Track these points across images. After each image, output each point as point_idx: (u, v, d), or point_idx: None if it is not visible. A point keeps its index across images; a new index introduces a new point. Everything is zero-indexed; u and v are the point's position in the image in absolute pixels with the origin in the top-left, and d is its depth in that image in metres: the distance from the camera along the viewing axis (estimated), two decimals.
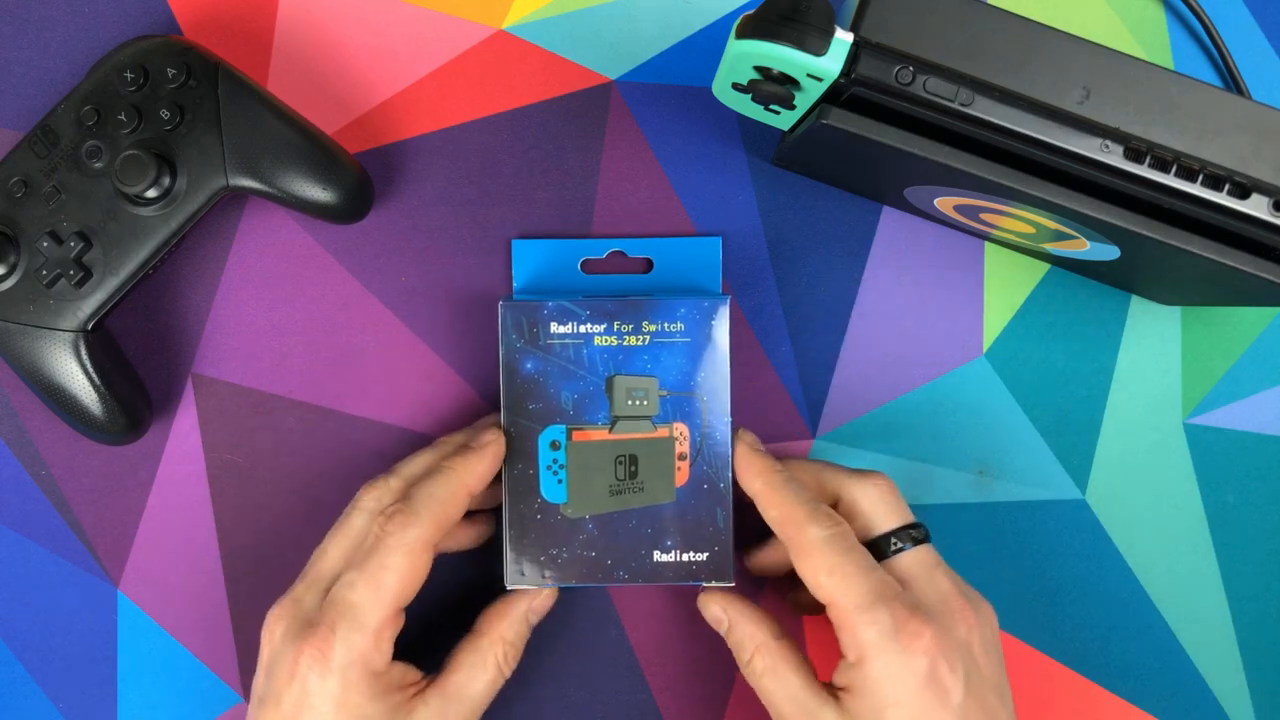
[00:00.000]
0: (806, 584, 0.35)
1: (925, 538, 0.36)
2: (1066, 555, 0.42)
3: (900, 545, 0.35)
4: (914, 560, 0.35)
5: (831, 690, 0.34)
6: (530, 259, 0.42)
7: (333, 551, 0.35)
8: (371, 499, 0.36)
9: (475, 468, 0.36)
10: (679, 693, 0.42)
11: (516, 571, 0.39)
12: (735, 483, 0.38)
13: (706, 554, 0.39)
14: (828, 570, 0.34)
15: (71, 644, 0.42)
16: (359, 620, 0.33)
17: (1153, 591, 0.42)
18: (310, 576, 0.35)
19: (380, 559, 0.34)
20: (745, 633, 0.36)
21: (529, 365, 0.39)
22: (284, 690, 0.33)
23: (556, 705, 0.42)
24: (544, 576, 0.39)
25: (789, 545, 0.35)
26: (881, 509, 0.36)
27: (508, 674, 0.37)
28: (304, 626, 0.33)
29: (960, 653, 0.33)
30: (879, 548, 0.35)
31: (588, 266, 0.42)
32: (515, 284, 0.42)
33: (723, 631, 0.38)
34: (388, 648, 0.34)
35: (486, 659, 0.36)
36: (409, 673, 0.35)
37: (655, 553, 0.39)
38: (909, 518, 0.36)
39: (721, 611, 0.37)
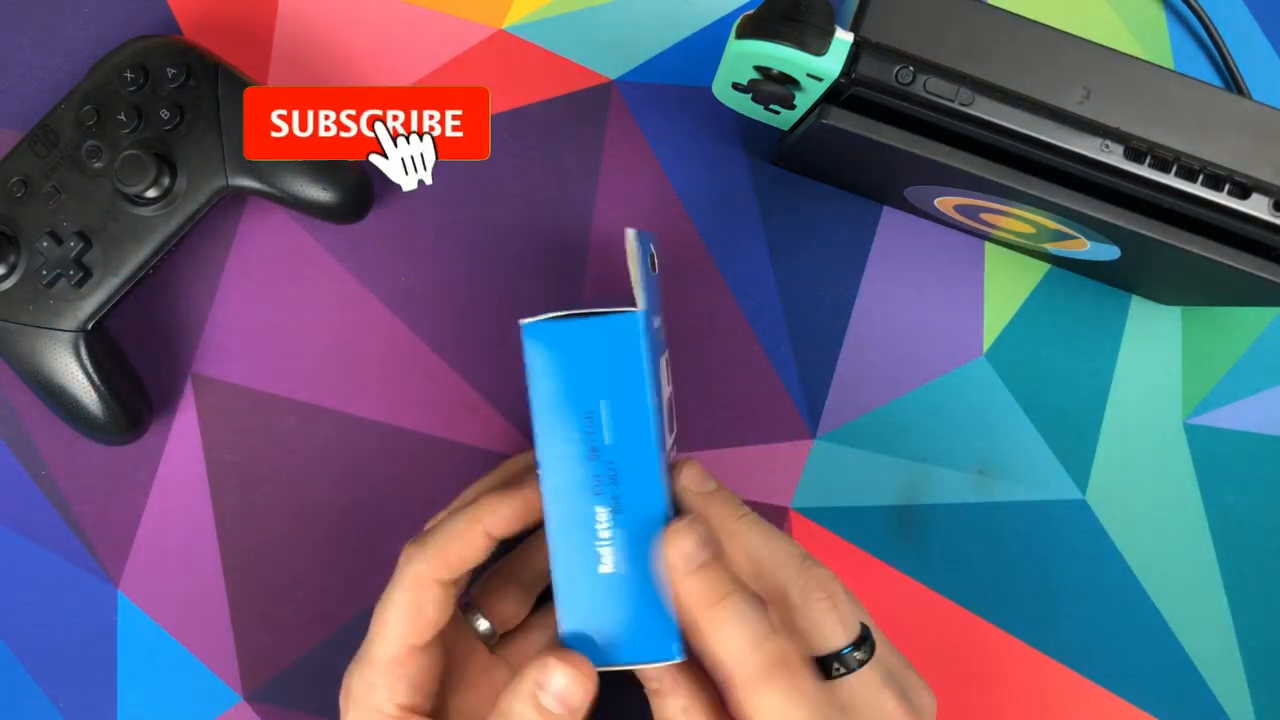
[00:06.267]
0: None
1: (872, 652, 0.32)
2: (1066, 555, 0.42)
3: (846, 669, 0.31)
4: (860, 684, 0.31)
5: None
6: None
7: None
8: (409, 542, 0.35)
9: (498, 508, 0.34)
10: None
11: None
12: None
13: None
14: None
15: (71, 644, 0.42)
16: (368, 655, 0.33)
17: (1153, 591, 0.42)
18: None
19: (388, 594, 0.33)
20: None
21: None
22: None
23: None
24: None
25: (730, 692, 0.30)
26: (829, 624, 0.31)
27: None
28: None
29: None
30: (824, 666, 0.31)
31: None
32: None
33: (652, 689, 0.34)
34: (399, 688, 0.33)
35: None
36: None
37: None
38: (856, 631, 0.32)
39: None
